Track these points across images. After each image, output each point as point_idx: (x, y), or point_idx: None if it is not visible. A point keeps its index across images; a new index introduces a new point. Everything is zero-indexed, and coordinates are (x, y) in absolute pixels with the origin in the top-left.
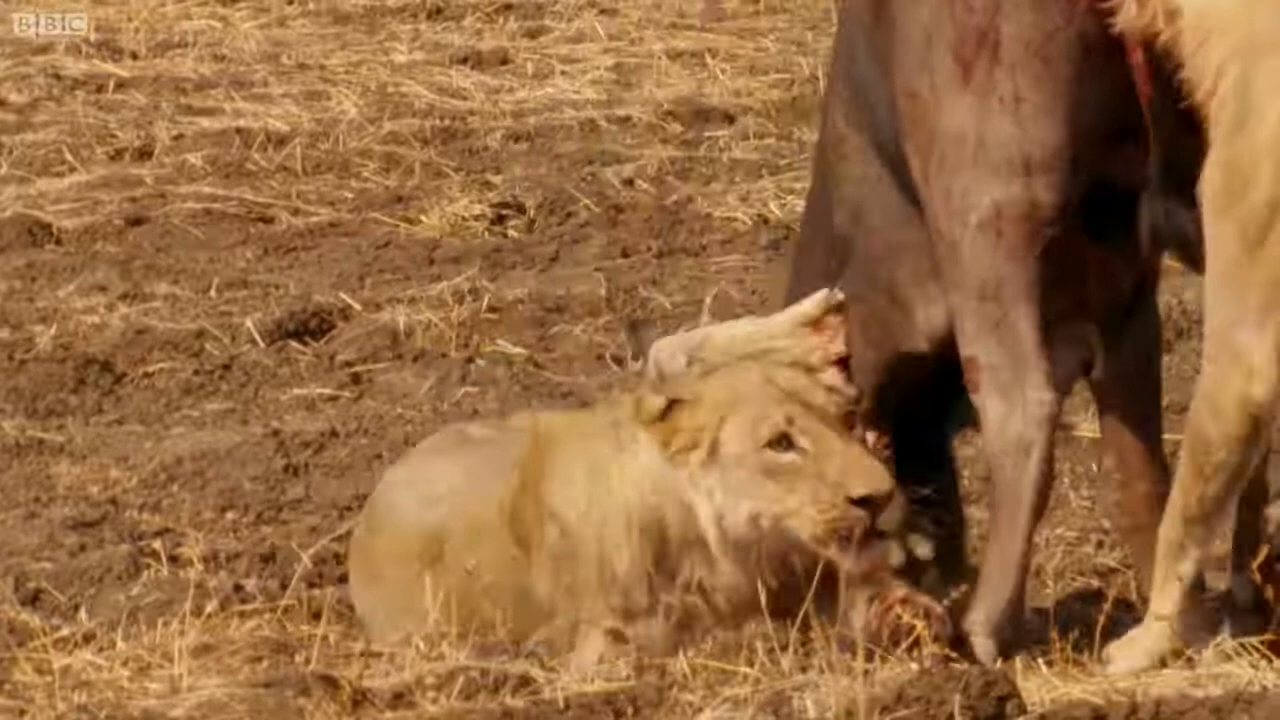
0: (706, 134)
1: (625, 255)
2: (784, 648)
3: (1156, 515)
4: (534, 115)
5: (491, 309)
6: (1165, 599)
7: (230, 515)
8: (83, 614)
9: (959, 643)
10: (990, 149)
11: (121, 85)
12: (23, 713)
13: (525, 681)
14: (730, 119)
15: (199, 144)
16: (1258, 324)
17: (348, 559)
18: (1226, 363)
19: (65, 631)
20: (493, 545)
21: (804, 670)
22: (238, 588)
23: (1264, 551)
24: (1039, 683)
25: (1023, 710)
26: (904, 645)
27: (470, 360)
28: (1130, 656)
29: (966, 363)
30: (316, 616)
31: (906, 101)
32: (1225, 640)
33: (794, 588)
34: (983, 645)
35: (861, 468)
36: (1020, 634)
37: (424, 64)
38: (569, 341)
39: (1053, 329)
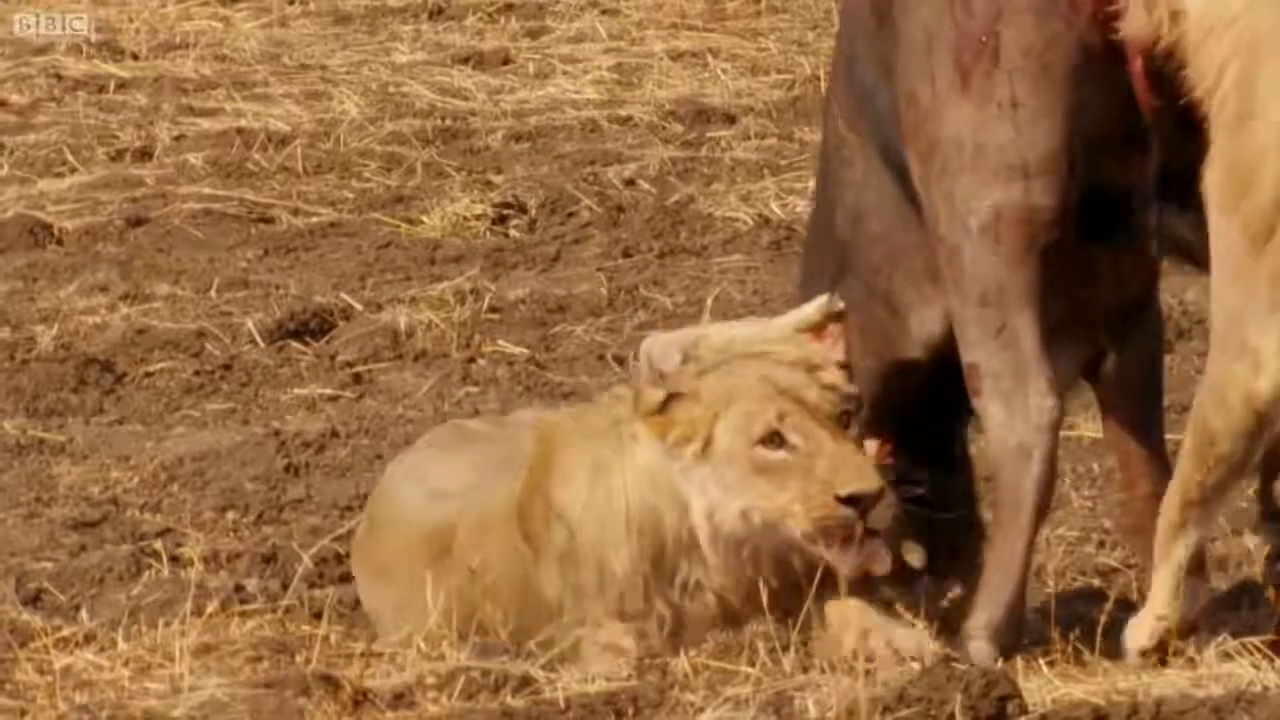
0: (708, 134)
1: (627, 255)
2: (785, 648)
3: (1159, 517)
4: (535, 115)
5: (493, 309)
6: (1165, 575)
7: (231, 515)
8: (84, 614)
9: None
10: (988, 153)
11: (122, 86)
12: (24, 713)
13: (526, 681)
14: (732, 119)
15: (200, 144)
16: (1264, 320)
17: (351, 557)
18: (1233, 357)
19: (66, 631)
20: (500, 541)
21: (805, 670)
22: (239, 588)
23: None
24: (1040, 683)
25: (1024, 710)
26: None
27: (471, 360)
28: (1137, 636)
29: (968, 369)
30: (317, 617)
31: (908, 106)
32: (1226, 640)
33: (794, 588)
34: (982, 649)
35: (851, 466)
36: (1020, 637)
37: (425, 64)
38: (570, 342)
39: (1056, 332)
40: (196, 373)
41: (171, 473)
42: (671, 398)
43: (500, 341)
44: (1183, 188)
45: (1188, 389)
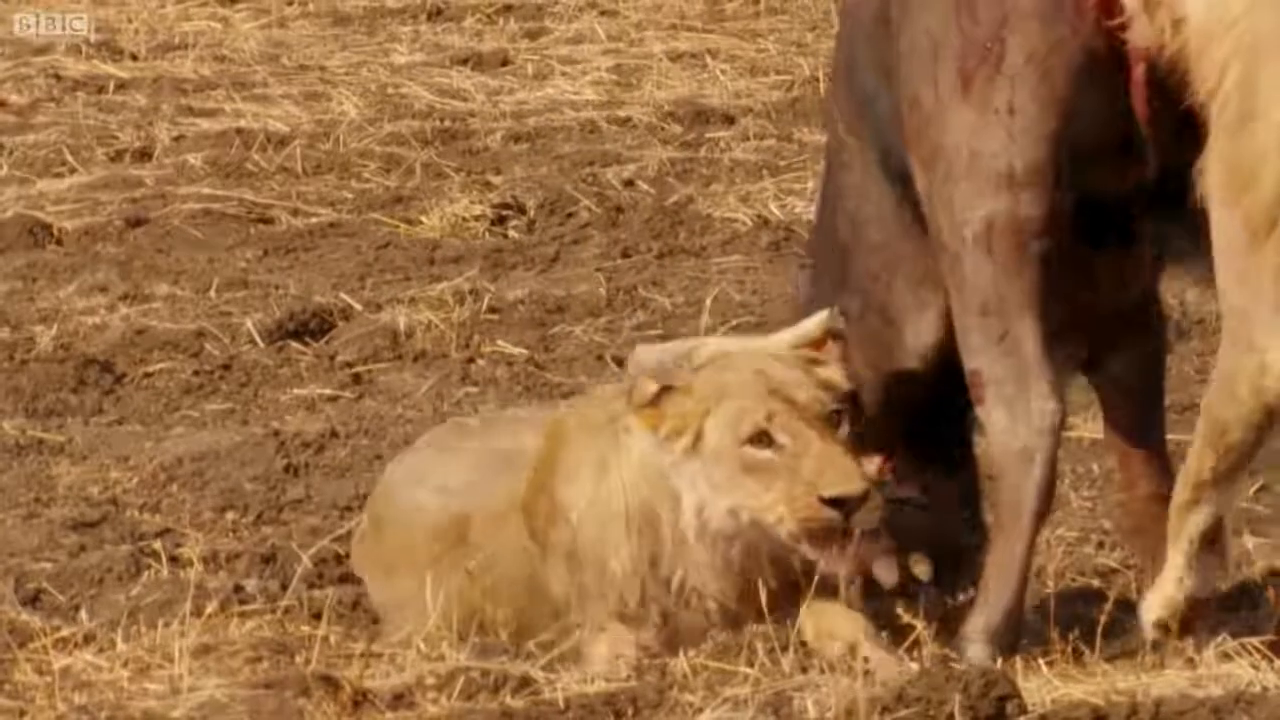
0: (707, 135)
1: (626, 256)
2: (784, 648)
3: (1159, 517)
4: (534, 116)
5: (492, 309)
6: (1178, 549)
7: (230, 516)
8: (83, 614)
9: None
10: (983, 160)
11: (122, 86)
12: (23, 713)
13: (525, 682)
14: (730, 120)
15: (199, 145)
16: (1270, 320)
17: (351, 558)
18: (1242, 352)
19: (65, 632)
20: (507, 536)
21: (804, 670)
22: (238, 588)
23: None
24: (1039, 683)
25: (1023, 710)
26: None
27: (471, 361)
28: (1152, 608)
29: (971, 376)
30: (317, 617)
31: (911, 112)
32: (1225, 640)
33: (793, 587)
34: (979, 652)
35: (836, 468)
36: (1018, 641)
37: (424, 65)
38: (569, 342)
39: (1056, 335)
40: (196, 373)
41: (171, 473)
42: (665, 390)
43: (499, 342)
44: (1178, 193)
45: (1188, 389)
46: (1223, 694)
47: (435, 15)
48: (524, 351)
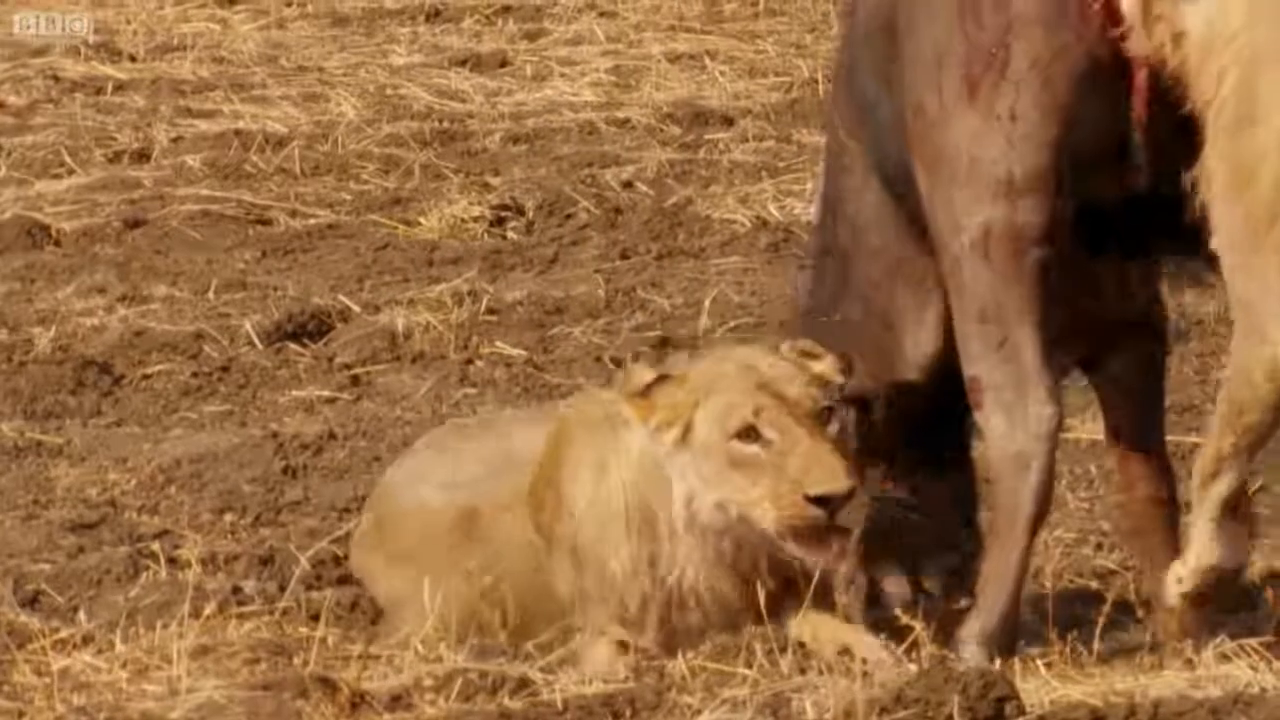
0: (705, 136)
1: (624, 257)
2: (783, 649)
3: (1158, 519)
4: (533, 117)
5: (490, 311)
6: (1203, 519)
7: (229, 517)
8: (81, 616)
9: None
10: (982, 166)
11: (120, 87)
12: (21, 714)
13: (523, 683)
14: (729, 121)
15: (198, 146)
16: (1277, 308)
17: (351, 559)
18: (1255, 345)
19: (64, 633)
20: (513, 531)
21: (803, 672)
22: (236, 590)
23: None
24: (1037, 684)
25: (1021, 711)
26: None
27: (469, 362)
28: (1178, 579)
29: (970, 382)
30: (315, 618)
31: (914, 117)
32: (1224, 641)
33: (792, 587)
34: (976, 656)
35: (823, 466)
36: (1014, 644)
37: (422, 66)
38: (568, 343)
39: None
40: (194, 374)
41: (169, 474)
42: (659, 380)
43: (498, 343)
44: (1176, 199)
45: (1188, 389)
46: (1221, 695)
47: (434, 16)
48: (523, 353)
